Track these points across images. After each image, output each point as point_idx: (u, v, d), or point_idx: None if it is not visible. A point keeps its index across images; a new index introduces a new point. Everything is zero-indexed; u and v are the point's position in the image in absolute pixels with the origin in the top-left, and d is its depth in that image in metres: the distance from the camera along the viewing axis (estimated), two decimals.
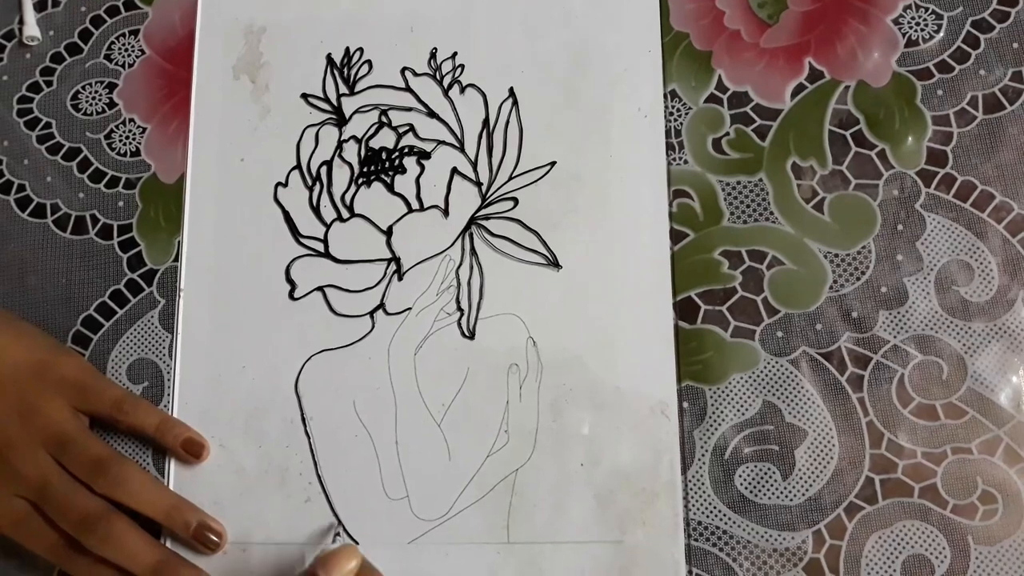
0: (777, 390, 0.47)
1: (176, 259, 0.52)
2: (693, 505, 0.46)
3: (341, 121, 0.53)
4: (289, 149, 0.53)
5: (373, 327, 0.50)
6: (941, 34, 0.50)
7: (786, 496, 0.46)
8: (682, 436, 0.47)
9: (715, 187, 0.49)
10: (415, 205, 0.51)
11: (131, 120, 0.55)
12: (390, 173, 0.52)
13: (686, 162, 0.50)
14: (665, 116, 0.51)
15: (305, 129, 0.53)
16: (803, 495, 0.46)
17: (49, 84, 0.56)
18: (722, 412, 0.47)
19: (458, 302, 0.50)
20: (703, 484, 0.46)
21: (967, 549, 0.44)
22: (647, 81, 0.51)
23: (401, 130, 0.52)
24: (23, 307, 0.52)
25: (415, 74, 0.53)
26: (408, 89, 0.53)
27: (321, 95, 0.53)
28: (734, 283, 0.48)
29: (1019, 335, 0.46)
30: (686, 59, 0.51)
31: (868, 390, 0.46)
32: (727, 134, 0.50)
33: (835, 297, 0.47)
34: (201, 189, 0.53)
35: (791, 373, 0.47)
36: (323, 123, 0.53)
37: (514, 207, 0.50)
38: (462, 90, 0.52)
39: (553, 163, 0.51)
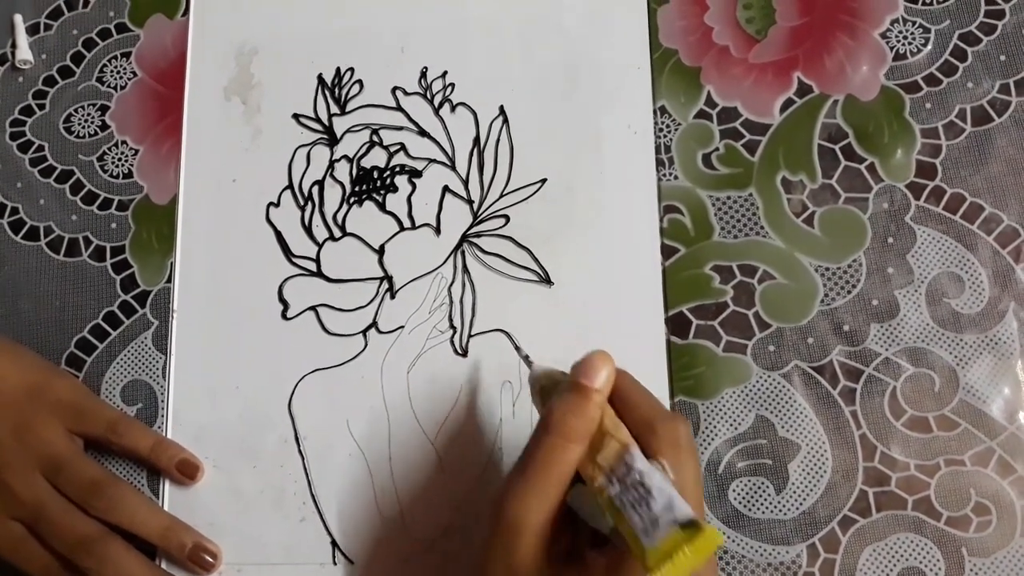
0: (770, 404, 0.47)
1: (169, 280, 0.52)
2: None
3: (332, 141, 0.53)
4: (281, 169, 0.53)
5: (366, 346, 0.50)
6: (929, 47, 0.50)
7: (780, 510, 0.46)
8: None
9: (705, 202, 0.50)
10: (407, 223, 0.51)
11: (123, 142, 0.55)
12: (382, 192, 0.52)
13: (676, 178, 0.50)
14: (655, 132, 0.51)
15: (297, 149, 0.53)
16: (797, 509, 0.46)
17: (42, 107, 0.56)
18: (715, 427, 0.47)
19: (450, 320, 0.50)
20: None
21: (961, 561, 0.44)
22: (637, 97, 0.51)
23: (392, 149, 0.52)
24: (17, 330, 0.53)
25: (406, 93, 0.53)
26: (399, 108, 0.53)
27: (312, 115, 0.54)
28: (725, 298, 0.48)
29: (1010, 346, 0.46)
30: (675, 75, 0.52)
31: (860, 403, 0.46)
32: (717, 149, 0.50)
33: (826, 311, 0.48)
34: (193, 210, 0.53)
35: (783, 387, 0.47)
36: (314, 143, 0.53)
37: (505, 224, 0.51)
38: (453, 108, 0.53)
39: (544, 180, 0.51)
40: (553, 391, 0.41)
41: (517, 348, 0.48)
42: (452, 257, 0.50)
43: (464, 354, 0.49)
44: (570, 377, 0.40)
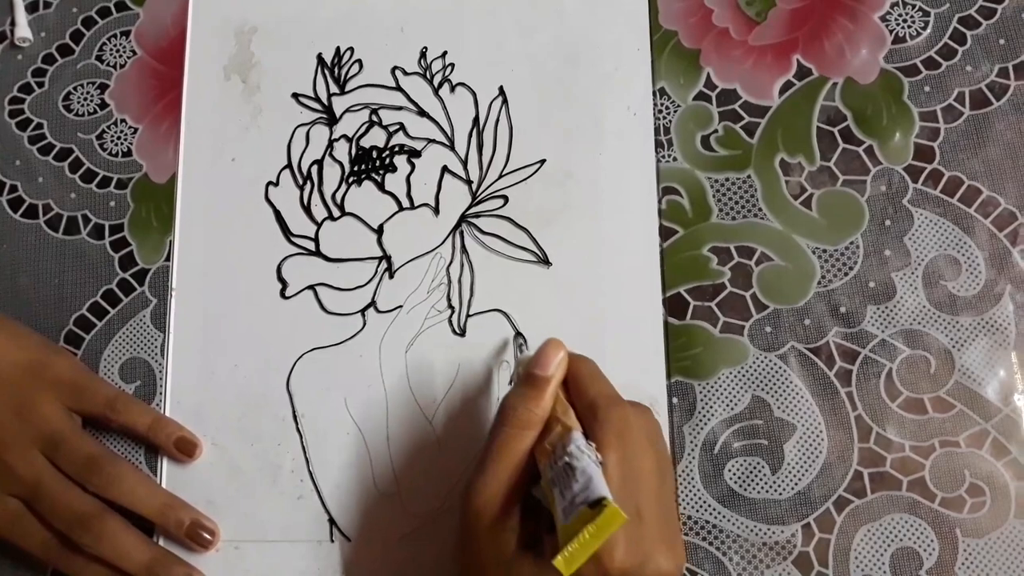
0: (766, 385, 0.47)
1: (168, 258, 0.52)
2: (683, 499, 0.46)
3: (332, 120, 0.53)
4: (280, 148, 0.53)
5: (364, 325, 0.50)
6: (928, 31, 0.50)
7: (775, 490, 0.46)
8: (672, 431, 0.47)
9: (704, 184, 0.50)
10: (406, 203, 0.51)
11: (123, 120, 0.55)
12: (381, 172, 0.52)
13: (675, 159, 0.50)
14: (654, 114, 0.51)
15: (296, 128, 0.53)
16: (792, 489, 0.46)
17: (41, 85, 0.56)
18: (711, 407, 0.47)
19: (449, 300, 0.50)
20: (692, 479, 0.46)
21: (955, 542, 0.44)
22: (636, 79, 0.51)
23: (391, 129, 0.52)
24: (15, 307, 0.53)
25: (405, 73, 0.53)
26: (398, 88, 0.53)
27: (312, 95, 0.54)
28: (723, 279, 0.48)
29: (1006, 329, 0.46)
30: (675, 57, 0.52)
31: (856, 384, 0.47)
32: (716, 131, 0.50)
33: (823, 292, 0.48)
34: (192, 189, 0.53)
35: (780, 368, 0.47)
36: (314, 122, 0.53)
37: (504, 205, 0.51)
38: (452, 89, 0.53)
39: (543, 161, 0.51)
40: None
41: (518, 334, 0.48)
42: (451, 237, 0.51)
43: (462, 334, 0.49)
44: (525, 367, 0.42)
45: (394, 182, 0.52)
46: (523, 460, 0.40)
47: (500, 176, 0.51)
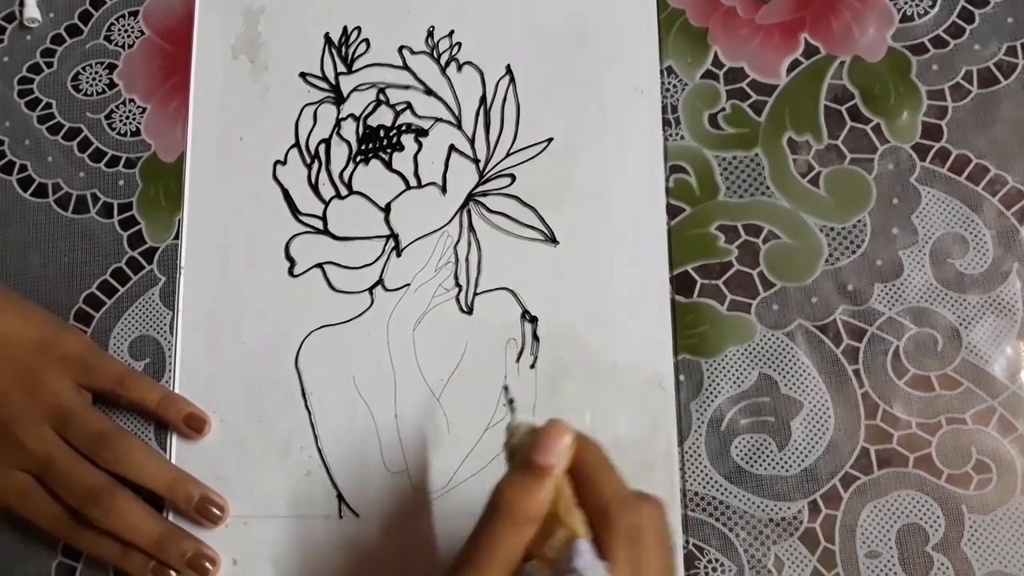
0: (773, 362, 0.47)
1: (176, 237, 0.52)
2: (690, 476, 0.46)
3: (339, 99, 0.53)
4: (288, 127, 0.53)
5: (372, 303, 0.50)
6: (936, 9, 0.50)
7: (782, 467, 0.46)
8: (679, 408, 0.47)
9: (711, 162, 0.50)
10: (413, 182, 0.51)
11: (131, 100, 0.55)
12: (388, 150, 0.52)
13: (682, 138, 0.50)
14: (661, 92, 0.51)
15: (304, 108, 0.53)
16: (799, 466, 0.46)
17: (50, 65, 0.56)
18: (718, 384, 0.47)
19: (456, 278, 0.50)
20: (699, 455, 0.47)
21: (961, 518, 0.45)
22: (643, 58, 0.51)
23: (399, 108, 0.52)
24: (26, 286, 0.53)
25: (412, 52, 0.53)
26: (406, 67, 0.53)
27: (319, 74, 0.54)
28: (730, 257, 0.49)
29: (1013, 307, 0.46)
30: (682, 36, 0.52)
31: (863, 362, 0.47)
32: (723, 110, 0.50)
33: (831, 270, 0.48)
34: (201, 168, 0.53)
35: (787, 346, 0.47)
36: (321, 101, 0.53)
37: (511, 183, 0.51)
38: (459, 68, 0.53)
39: (550, 139, 0.51)
40: (519, 449, 0.38)
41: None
42: (458, 216, 0.51)
43: (469, 312, 0.50)
44: (525, 452, 0.37)
45: (401, 161, 0.52)
46: (516, 558, 0.36)
47: (507, 155, 0.51)
